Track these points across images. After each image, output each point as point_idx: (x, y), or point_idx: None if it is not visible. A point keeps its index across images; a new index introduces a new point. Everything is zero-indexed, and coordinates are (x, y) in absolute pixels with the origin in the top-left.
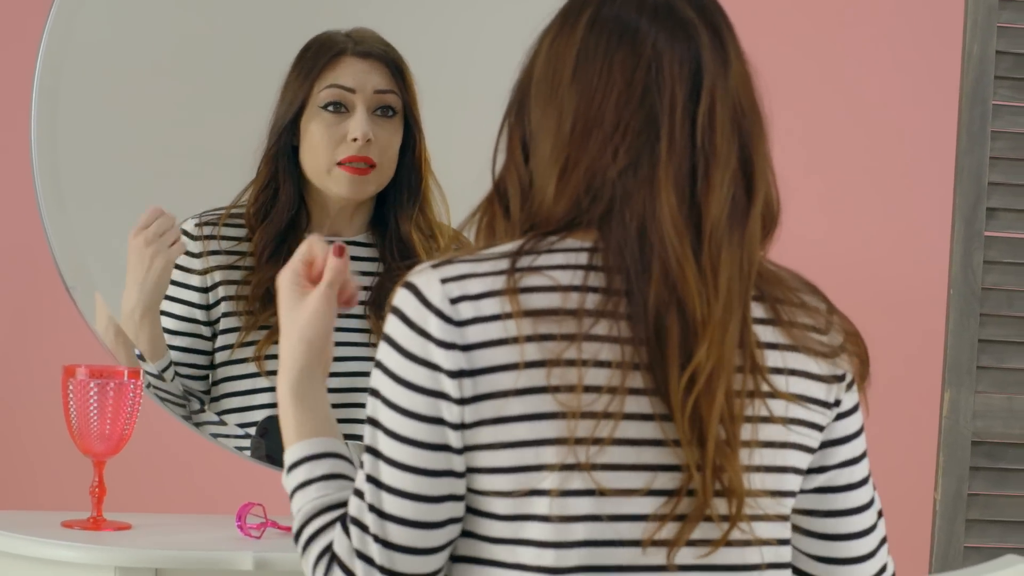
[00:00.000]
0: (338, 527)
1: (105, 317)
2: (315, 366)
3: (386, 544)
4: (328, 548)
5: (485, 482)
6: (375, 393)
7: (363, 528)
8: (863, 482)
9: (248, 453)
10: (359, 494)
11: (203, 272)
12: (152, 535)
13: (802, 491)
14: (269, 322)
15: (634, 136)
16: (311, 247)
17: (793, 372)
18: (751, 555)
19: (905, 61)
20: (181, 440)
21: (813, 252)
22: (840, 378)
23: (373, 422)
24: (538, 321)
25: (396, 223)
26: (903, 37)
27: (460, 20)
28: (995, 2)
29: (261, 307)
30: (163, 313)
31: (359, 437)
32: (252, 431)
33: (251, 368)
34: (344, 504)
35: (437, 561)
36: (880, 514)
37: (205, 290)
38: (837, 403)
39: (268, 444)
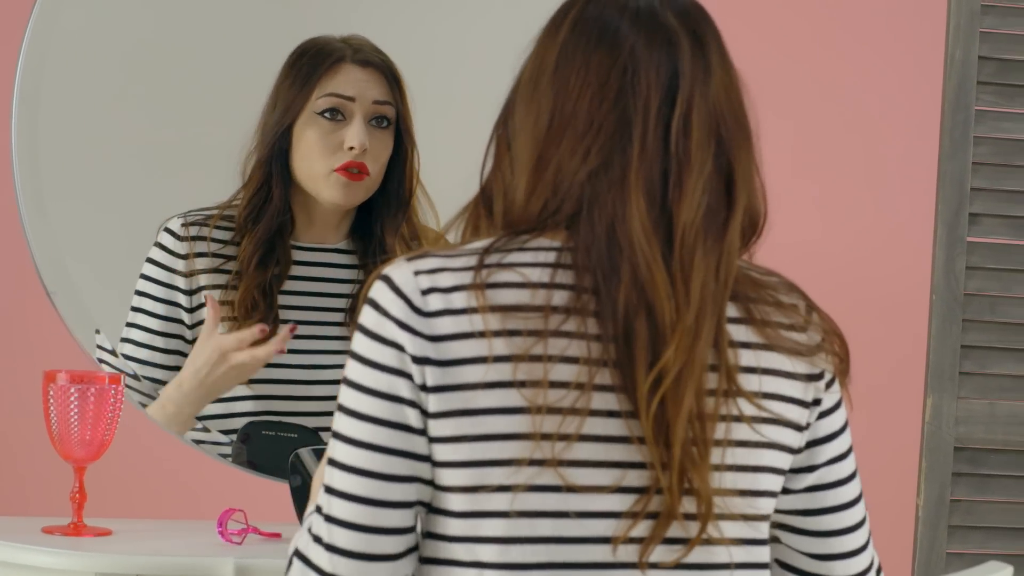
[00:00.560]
0: (306, 529)
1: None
2: None
3: (332, 520)
4: (296, 547)
5: (444, 476)
6: (344, 379)
7: (317, 509)
8: (851, 477)
9: (230, 459)
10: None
11: (188, 274)
12: (133, 541)
13: (793, 491)
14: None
15: (606, 137)
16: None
17: (767, 371)
18: (719, 554)
19: (888, 66)
20: (162, 446)
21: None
22: (819, 376)
23: (338, 407)
24: (506, 316)
25: (381, 233)
26: (886, 42)
27: (447, 25)
28: (978, 7)
29: (245, 314)
30: (146, 312)
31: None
32: (234, 437)
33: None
34: None
35: (386, 544)
36: (864, 508)
37: (190, 293)
38: (817, 402)
39: (249, 450)
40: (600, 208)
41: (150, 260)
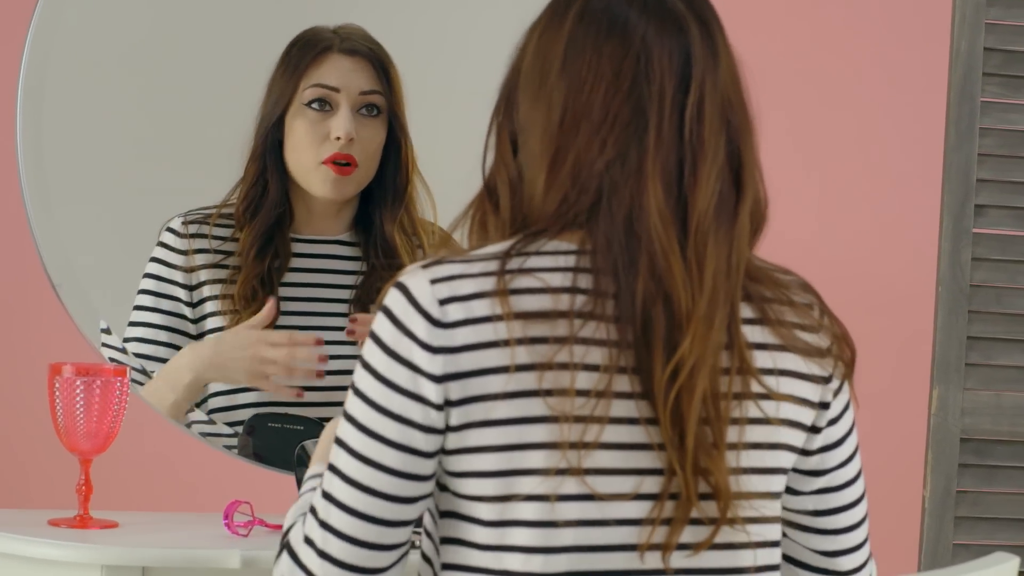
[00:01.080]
0: (300, 518)
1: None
2: None
3: (327, 528)
4: (287, 539)
5: (470, 486)
6: (353, 387)
7: (313, 513)
8: (857, 476)
9: (235, 451)
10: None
11: (189, 270)
12: (139, 533)
13: (803, 493)
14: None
15: (622, 128)
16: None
17: (784, 372)
18: (744, 557)
19: (893, 58)
20: (168, 438)
21: (801, 249)
22: (828, 379)
23: (346, 415)
24: (528, 323)
25: (380, 223)
26: (891, 34)
27: (450, 16)
28: None
29: (245, 306)
30: (150, 309)
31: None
32: (239, 429)
33: None
34: None
35: (382, 559)
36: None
37: (190, 288)
38: (825, 405)
39: (255, 442)
40: (618, 198)
41: (154, 259)
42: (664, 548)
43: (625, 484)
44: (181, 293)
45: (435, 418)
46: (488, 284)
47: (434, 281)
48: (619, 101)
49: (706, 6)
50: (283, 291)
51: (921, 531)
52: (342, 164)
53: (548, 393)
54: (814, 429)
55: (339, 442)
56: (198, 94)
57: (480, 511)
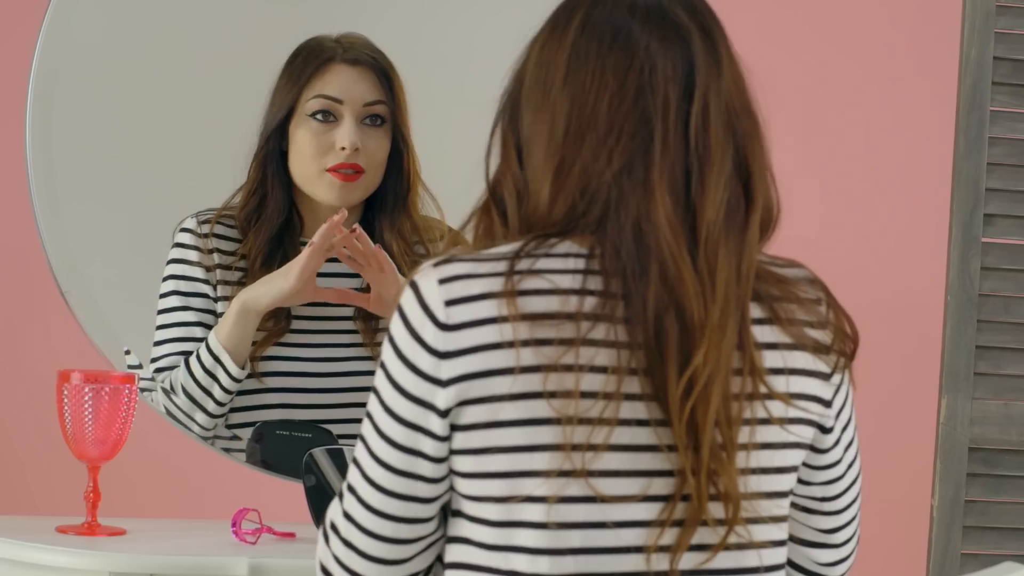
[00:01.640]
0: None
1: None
2: None
3: (349, 519)
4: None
5: (477, 487)
6: (373, 388)
7: (340, 499)
8: (856, 457)
9: (243, 459)
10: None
11: (209, 268)
12: (147, 540)
13: (814, 483)
14: (264, 327)
15: (628, 139)
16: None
17: (794, 371)
18: (750, 558)
19: (903, 66)
20: (176, 445)
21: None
22: (830, 375)
23: (366, 412)
24: (535, 325)
25: (380, 231)
26: (901, 42)
27: (454, 24)
28: (993, 8)
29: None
30: (180, 309)
31: (353, 437)
32: (248, 436)
33: (249, 368)
34: None
35: (405, 551)
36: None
37: (213, 285)
38: (831, 403)
39: (263, 449)
40: (626, 209)
41: (173, 260)
42: (675, 550)
43: (633, 486)
44: (207, 289)
45: (437, 424)
46: (496, 285)
47: (442, 281)
48: (624, 112)
49: (708, 15)
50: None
51: (929, 540)
52: (347, 172)
53: (552, 395)
54: (825, 428)
55: (361, 438)
56: (207, 99)
57: (487, 511)
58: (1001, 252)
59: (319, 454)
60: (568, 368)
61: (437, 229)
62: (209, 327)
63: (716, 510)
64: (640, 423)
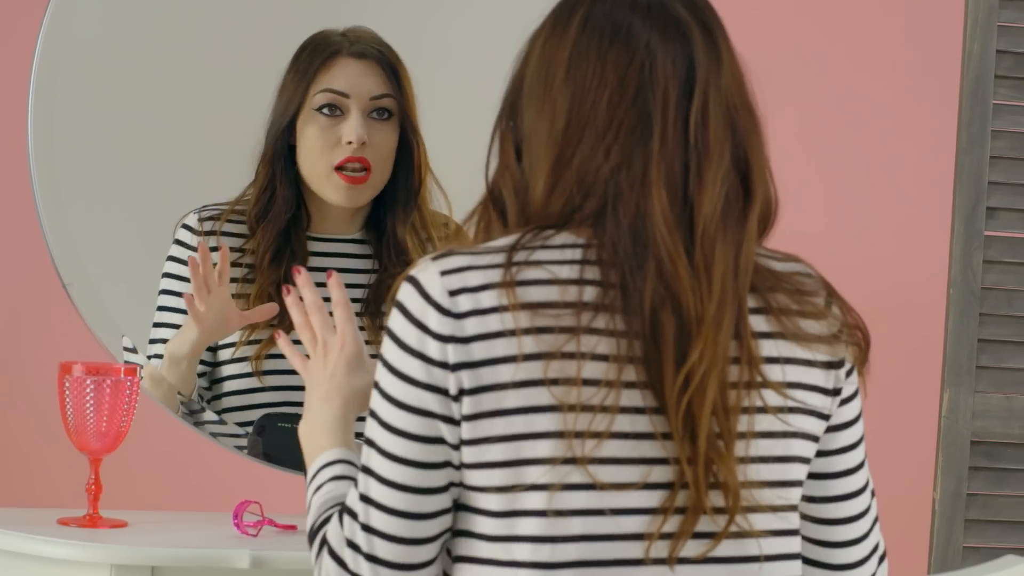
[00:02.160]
0: (335, 517)
1: (149, 378)
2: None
3: (370, 531)
4: (324, 538)
5: (480, 477)
6: (376, 385)
7: (353, 516)
8: (859, 467)
9: (245, 451)
10: (355, 483)
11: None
12: (148, 533)
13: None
14: (266, 327)
15: (627, 134)
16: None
17: (788, 360)
18: (749, 547)
19: (905, 60)
20: (178, 438)
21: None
22: (839, 364)
23: (371, 413)
24: (536, 314)
25: (392, 226)
26: (903, 36)
27: (460, 18)
28: (995, 1)
29: None
30: (174, 309)
31: (359, 434)
32: (249, 429)
33: (251, 367)
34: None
35: (425, 552)
36: (873, 494)
37: None
38: (837, 391)
39: (265, 442)
40: (624, 204)
41: (171, 258)
42: (676, 538)
43: (633, 474)
44: None
45: (454, 408)
46: (496, 276)
47: (444, 273)
48: (624, 108)
49: (708, 11)
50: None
51: (931, 534)
52: (355, 172)
53: (554, 382)
54: (826, 416)
55: (368, 442)
56: (210, 94)
57: (489, 502)
58: (1003, 245)
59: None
60: (570, 356)
61: (444, 225)
62: None
63: (716, 499)
64: (637, 411)
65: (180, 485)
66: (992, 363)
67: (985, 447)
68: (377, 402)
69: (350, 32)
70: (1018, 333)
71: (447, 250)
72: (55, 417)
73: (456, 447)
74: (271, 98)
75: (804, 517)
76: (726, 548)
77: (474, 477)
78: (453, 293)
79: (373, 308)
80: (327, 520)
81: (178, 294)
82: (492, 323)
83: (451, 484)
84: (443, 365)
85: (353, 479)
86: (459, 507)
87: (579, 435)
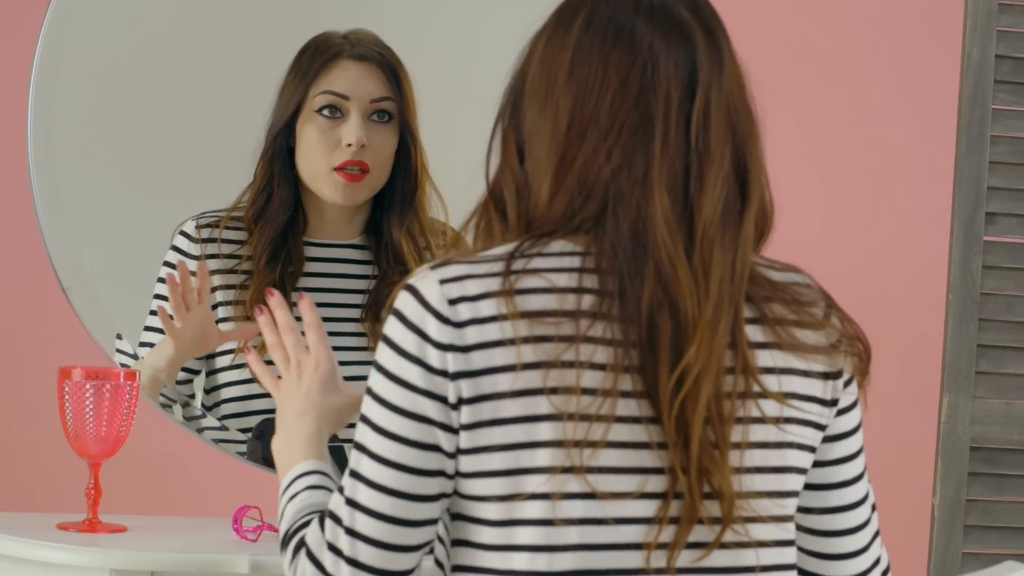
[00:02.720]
0: (315, 521)
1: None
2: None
3: (354, 535)
4: (301, 540)
5: (479, 486)
6: (369, 391)
7: (337, 520)
8: (858, 478)
9: (244, 456)
10: (340, 489)
11: None
12: (148, 537)
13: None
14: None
15: (628, 136)
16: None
17: (785, 371)
18: (747, 557)
19: (904, 65)
20: (177, 442)
21: (812, 255)
22: (836, 375)
23: (363, 418)
24: (534, 323)
25: (388, 229)
26: (902, 41)
27: (457, 20)
28: (995, 6)
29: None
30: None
31: (345, 442)
32: (249, 434)
33: (249, 373)
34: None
35: (407, 561)
36: (874, 507)
37: None
38: (835, 401)
39: (264, 446)
40: (624, 206)
41: (167, 263)
42: (672, 547)
43: (630, 483)
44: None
45: (453, 416)
46: (494, 284)
47: (443, 281)
48: (626, 109)
49: (711, 14)
50: (296, 297)
51: (930, 540)
52: (353, 171)
53: (553, 391)
54: (823, 426)
55: (359, 446)
56: (209, 95)
57: (488, 511)
58: (1003, 251)
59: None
60: (569, 365)
61: (443, 233)
62: None
63: (713, 508)
64: (634, 420)
65: (180, 490)
66: (991, 368)
67: (984, 453)
68: (370, 407)
69: (352, 34)
70: (1017, 338)
71: (445, 259)
72: (54, 421)
73: (452, 456)
74: (271, 100)
75: (803, 529)
76: (724, 558)
77: (472, 486)
78: (452, 302)
79: (373, 313)
80: (305, 524)
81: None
82: (491, 332)
83: (442, 494)
84: (443, 373)
85: (329, 489)
86: (457, 517)
87: (578, 444)
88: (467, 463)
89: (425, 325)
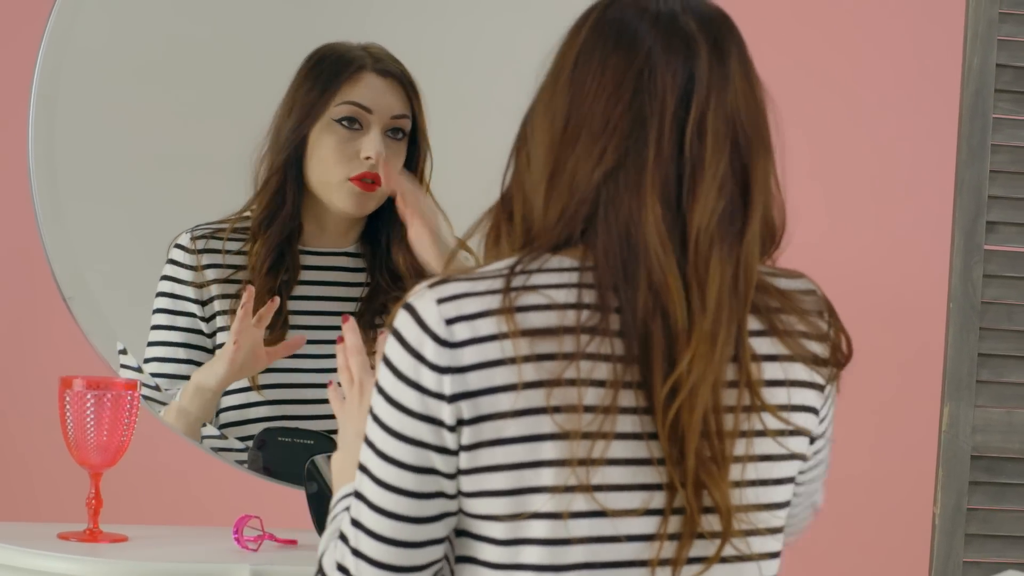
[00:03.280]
0: (332, 544)
1: (173, 411)
2: None
3: (359, 555)
4: (320, 558)
5: (483, 506)
6: (371, 412)
7: (345, 541)
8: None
9: (245, 465)
10: (348, 509)
11: (200, 286)
12: (149, 547)
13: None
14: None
15: (621, 138)
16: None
17: (795, 383)
18: (749, 571)
19: (905, 74)
20: (178, 452)
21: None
22: (823, 387)
23: (365, 439)
24: (535, 341)
25: (386, 242)
26: (904, 50)
27: (457, 30)
28: (996, 15)
29: (257, 320)
30: (166, 328)
31: None
32: (250, 443)
33: (249, 382)
34: None
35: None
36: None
37: (202, 303)
38: (820, 413)
39: (265, 456)
40: (615, 210)
41: (164, 277)
42: (674, 563)
43: (634, 500)
44: (195, 308)
45: (450, 439)
46: (494, 302)
47: (440, 301)
48: (619, 111)
49: (725, 28)
50: (292, 304)
51: (931, 548)
52: (368, 182)
53: (556, 410)
54: (814, 437)
55: (362, 468)
56: (212, 104)
57: (493, 530)
58: (1003, 260)
59: (321, 461)
60: (571, 382)
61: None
62: (194, 347)
63: (713, 522)
64: (636, 436)
65: (180, 499)
66: (992, 377)
67: (985, 462)
68: (372, 429)
69: (370, 48)
70: (1018, 347)
71: (444, 276)
72: (55, 431)
73: (451, 476)
74: (274, 108)
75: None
76: (726, 572)
77: (475, 505)
78: (450, 322)
79: (366, 321)
80: (326, 551)
81: (171, 312)
82: (491, 352)
83: (444, 514)
84: (439, 396)
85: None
86: (462, 534)
87: (582, 462)
88: (468, 483)
89: (423, 348)
